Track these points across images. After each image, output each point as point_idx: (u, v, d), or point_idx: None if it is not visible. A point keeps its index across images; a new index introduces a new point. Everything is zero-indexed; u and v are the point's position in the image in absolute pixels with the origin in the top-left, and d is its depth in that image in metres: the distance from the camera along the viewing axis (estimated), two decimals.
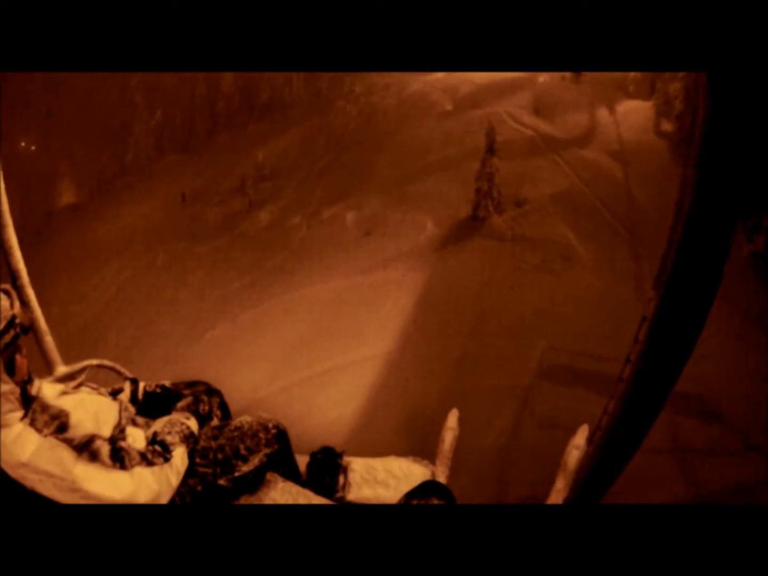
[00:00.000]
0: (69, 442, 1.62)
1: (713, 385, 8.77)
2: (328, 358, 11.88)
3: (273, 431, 2.08)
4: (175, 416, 1.96)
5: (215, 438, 2.00)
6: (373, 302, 13.02)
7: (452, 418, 3.30)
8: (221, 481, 1.95)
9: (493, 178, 14.46)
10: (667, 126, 17.82)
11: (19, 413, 1.61)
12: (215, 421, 2.11)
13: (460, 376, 10.49)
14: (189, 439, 1.89)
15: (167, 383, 2.19)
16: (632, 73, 19.17)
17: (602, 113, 18.15)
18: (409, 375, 10.89)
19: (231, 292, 15.87)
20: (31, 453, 1.55)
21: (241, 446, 1.99)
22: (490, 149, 14.77)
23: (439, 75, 21.94)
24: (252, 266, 16.59)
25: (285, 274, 15.48)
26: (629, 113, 18.13)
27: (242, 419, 2.06)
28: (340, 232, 15.94)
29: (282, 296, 14.46)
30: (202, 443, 1.97)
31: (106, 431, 1.78)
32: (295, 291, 14.45)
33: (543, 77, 19.77)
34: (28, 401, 1.68)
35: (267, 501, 2.03)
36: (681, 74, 18.35)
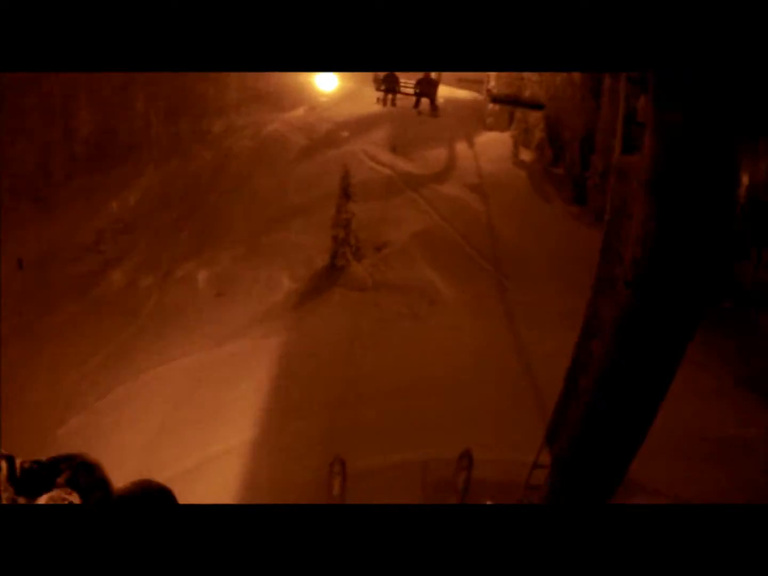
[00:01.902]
0: None
1: None
2: (194, 450, 10.02)
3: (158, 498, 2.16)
4: (57, 493, 1.97)
5: None
6: (231, 378, 11.46)
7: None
8: None
9: (349, 225, 13.56)
10: (525, 155, 17.87)
11: None
12: (97, 494, 2.09)
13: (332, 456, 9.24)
14: None
15: (43, 459, 2.12)
16: (490, 106, 19.20)
17: (461, 146, 17.92)
18: (277, 462, 9.45)
19: (85, 373, 13.71)
20: None
21: None
22: (345, 193, 13.91)
23: (298, 113, 21.08)
24: (106, 338, 14.51)
25: (141, 347, 13.56)
26: (488, 145, 18.04)
27: (125, 488, 2.12)
28: (192, 294, 14.28)
29: (139, 376, 12.51)
30: None
31: None
32: (152, 369, 12.51)
33: (399, 113, 19.42)
34: None
35: None
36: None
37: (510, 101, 18.90)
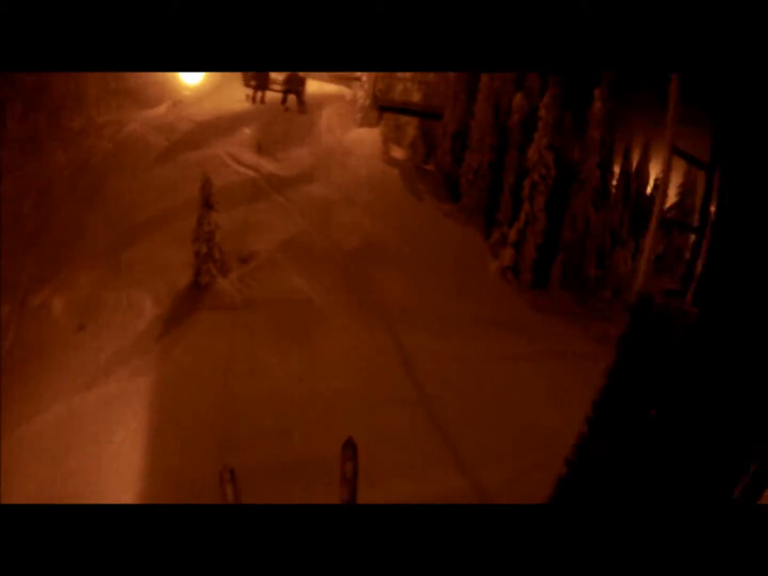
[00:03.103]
0: None
1: None
2: None
3: None
4: None
5: None
6: (104, 429, 10.03)
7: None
8: None
9: (212, 238, 12.90)
10: (397, 153, 17.81)
11: None
12: None
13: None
14: None
15: None
16: (360, 102, 18.81)
17: (331, 144, 17.56)
18: None
19: None
20: None
21: None
22: (207, 204, 13.24)
23: (160, 111, 19.86)
24: None
25: (4, 395, 11.85)
26: (358, 142, 17.79)
27: None
28: (53, 326, 12.64)
29: (5, 436, 10.18)
30: None
31: None
32: (18, 427, 10.48)
33: (267, 110, 18.76)
34: None
35: None
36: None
37: (401, 109, 18.59)
